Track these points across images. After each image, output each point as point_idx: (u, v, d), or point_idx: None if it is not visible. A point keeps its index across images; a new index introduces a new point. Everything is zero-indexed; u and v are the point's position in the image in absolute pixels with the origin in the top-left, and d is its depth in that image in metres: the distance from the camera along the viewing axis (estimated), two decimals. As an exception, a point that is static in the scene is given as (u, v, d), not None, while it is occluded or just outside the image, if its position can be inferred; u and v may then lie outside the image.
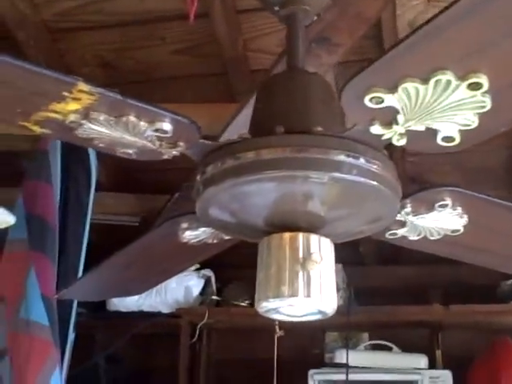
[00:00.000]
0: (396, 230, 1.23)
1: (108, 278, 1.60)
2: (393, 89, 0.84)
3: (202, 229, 1.26)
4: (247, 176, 0.97)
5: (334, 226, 1.07)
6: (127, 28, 2.35)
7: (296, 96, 1.09)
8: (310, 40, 1.54)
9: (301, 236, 1.01)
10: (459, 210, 1.18)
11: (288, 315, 1.06)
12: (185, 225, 1.25)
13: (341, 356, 2.89)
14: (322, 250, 1.01)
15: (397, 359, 2.95)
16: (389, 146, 0.97)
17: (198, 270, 3.19)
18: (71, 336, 2.27)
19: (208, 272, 3.19)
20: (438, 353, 3.07)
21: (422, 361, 2.87)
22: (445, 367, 2.92)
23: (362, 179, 0.97)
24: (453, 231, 1.24)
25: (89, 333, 3.30)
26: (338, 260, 3.13)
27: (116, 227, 3.00)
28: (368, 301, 3.07)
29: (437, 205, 1.15)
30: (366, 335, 3.20)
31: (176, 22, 2.31)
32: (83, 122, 0.92)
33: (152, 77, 2.56)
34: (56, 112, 0.90)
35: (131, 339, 3.09)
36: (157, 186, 3.05)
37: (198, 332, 3.04)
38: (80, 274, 2.32)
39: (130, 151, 1.01)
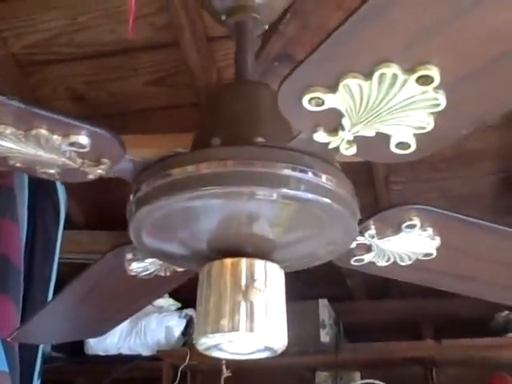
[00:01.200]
0: (361, 255, 1.11)
1: (61, 317, 1.49)
2: (333, 87, 0.73)
3: (149, 260, 1.14)
4: (181, 193, 0.86)
5: (284, 251, 0.95)
6: (99, 60, 2.28)
7: (238, 107, 0.99)
8: (272, 58, 1.44)
9: (243, 262, 0.90)
10: (430, 230, 1.06)
11: (232, 353, 0.93)
12: (129, 255, 1.14)
13: (332, 397, 2.74)
14: (268, 277, 0.89)
15: (390, 398, 2.79)
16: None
17: (179, 309, 3.05)
18: (36, 383, 2.13)
19: (190, 311, 3.06)
20: (433, 390, 2.92)
21: (415, 399, 2.72)
22: (439, 406, 2.78)
23: (311, 195, 0.86)
24: (425, 255, 1.13)
25: (67, 379, 3.16)
26: (324, 295, 3.01)
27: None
28: (358, 337, 2.93)
29: (404, 225, 1.04)
30: (357, 374, 3.05)
31: (147, 53, 2.24)
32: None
33: (126, 109, 2.47)
34: (-43, 128, 0.80)
35: (110, 384, 2.94)
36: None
37: (179, 375, 2.89)
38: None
39: (52, 171, 0.90)
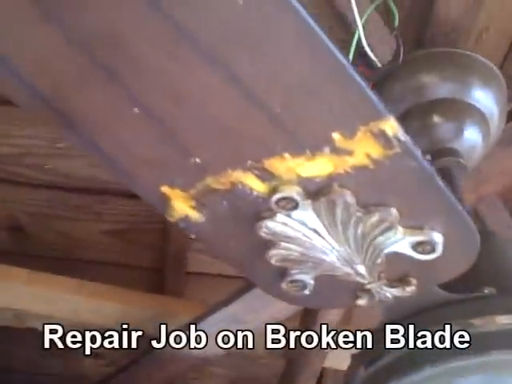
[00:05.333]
0: None
1: None
2: None
3: None
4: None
5: None
6: (58, 191, 1.94)
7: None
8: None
9: None
10: None
11: None
12: None
13: None
14: None
15: None
16: None
17: None
18: None
19: None
20: None
21: None
22: None
23: None
24: None
25: None
26: None
27: None
28: None
29: None
30: None
31: (120, 199, 1.95)
32: (304, 203, 0.52)
33: (74, 255, 2.11)
34: (276, 176, 0.49)
35: None
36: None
37: None
38: None
39: (307, 280, 0.59)
